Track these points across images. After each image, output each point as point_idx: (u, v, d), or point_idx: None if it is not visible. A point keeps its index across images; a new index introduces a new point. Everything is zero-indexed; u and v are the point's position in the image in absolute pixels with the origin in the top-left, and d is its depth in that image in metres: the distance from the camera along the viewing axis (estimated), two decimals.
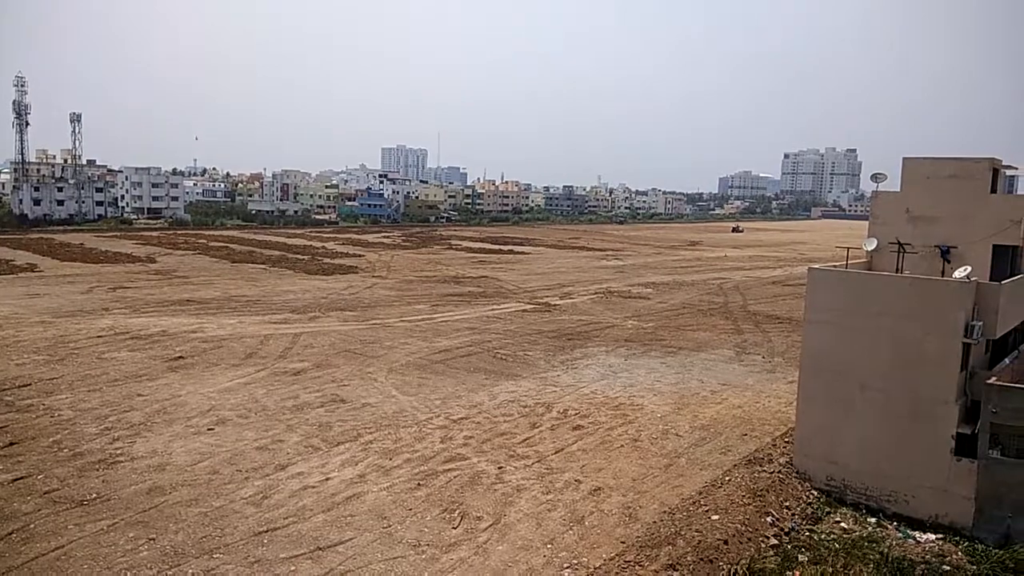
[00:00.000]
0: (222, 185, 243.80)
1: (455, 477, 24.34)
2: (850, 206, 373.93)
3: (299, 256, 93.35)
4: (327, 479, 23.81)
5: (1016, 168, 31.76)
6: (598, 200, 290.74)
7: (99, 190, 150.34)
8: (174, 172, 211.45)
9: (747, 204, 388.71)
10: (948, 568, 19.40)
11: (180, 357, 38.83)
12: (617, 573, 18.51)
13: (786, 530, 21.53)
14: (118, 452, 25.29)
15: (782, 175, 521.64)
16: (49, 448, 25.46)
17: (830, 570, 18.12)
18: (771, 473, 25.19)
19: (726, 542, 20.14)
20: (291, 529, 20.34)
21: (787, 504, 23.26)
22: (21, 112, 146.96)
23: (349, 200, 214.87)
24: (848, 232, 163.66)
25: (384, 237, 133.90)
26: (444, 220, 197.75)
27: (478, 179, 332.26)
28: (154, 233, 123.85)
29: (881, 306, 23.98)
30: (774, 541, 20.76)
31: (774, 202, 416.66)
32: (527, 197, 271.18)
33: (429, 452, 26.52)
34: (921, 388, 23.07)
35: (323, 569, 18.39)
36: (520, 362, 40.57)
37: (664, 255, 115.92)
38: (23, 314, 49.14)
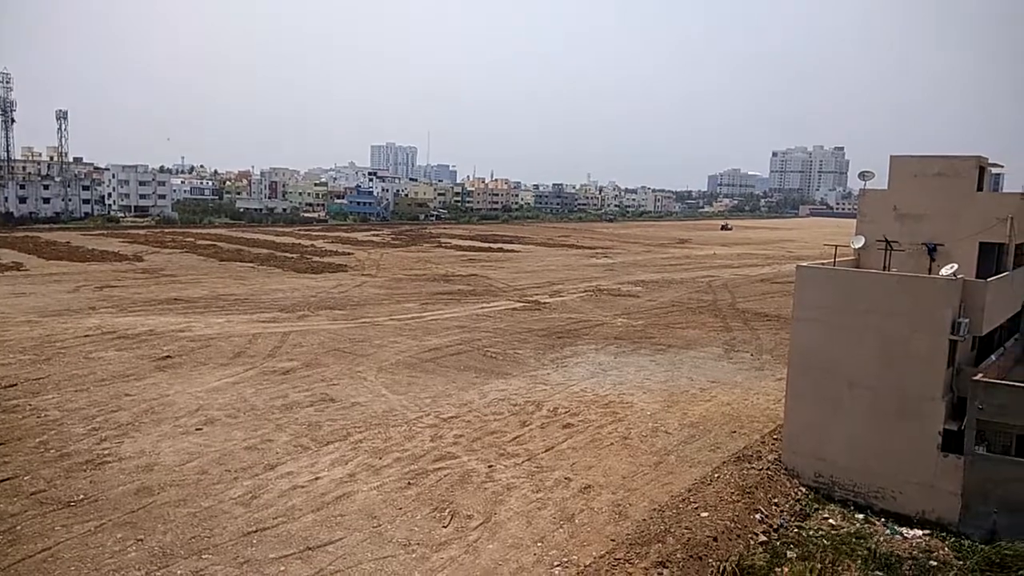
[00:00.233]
0: (210, 183, 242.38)
1: (445, 476, 24.32)
2: (838, 204, 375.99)
3: (288, 254, 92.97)
4: (317, 479, 23.75)
5: (1002, 166, 32.02)
6: (588, 198, 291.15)
7: (86, 188, 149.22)
8: (161, 170, 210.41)
9: (736, 202, 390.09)
10: (935, 564, 19.55)
11: (168, 356, 38.61)
12: (607, 571, 18.55)
13: (775, 527, 21.65)
14: (106, 452, 25.13)
15: (771, 173, 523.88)
16: (36, 449, 25.26)
17: (818, 566, 18.22)
18: (760, 470, 25.31)
19: (715, 539, 20.23)
20: (280, 529, 20.27)
21: (776, 501, 23.38)
22: (6, 109, 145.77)
23: (338, 198, 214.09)
24: (836, 230, 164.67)
25: (373, 235, 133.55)
26: (434, 218, 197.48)
27: (468, 177, 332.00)
28: (141, 231, 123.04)
29: (869, 303, 24.13)
30: (763, 538, 20.86)
31: (763, 200, 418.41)
32: (517, 195, 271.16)
33: (419, 451, 26.48)
34: (908, 385, 23.23)
35: (313, 569, 18.34)
36: (510, 360, 40.57)
37: (653, 253, 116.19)
38: (8, 313, 48.72)
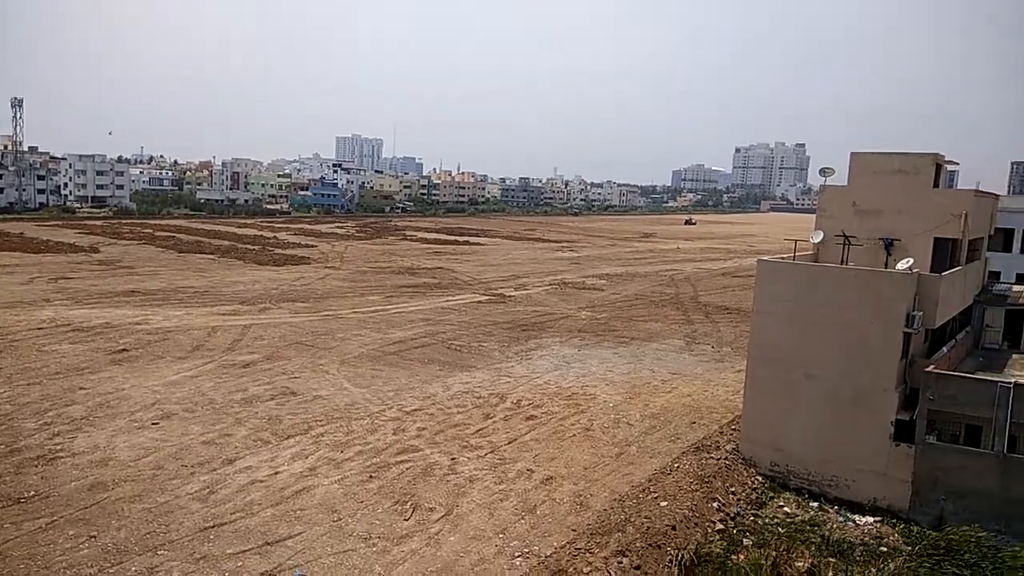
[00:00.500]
0: (170, 173, 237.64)
1: (407, 469, 24.24)
2: (798, 199, 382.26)
3: (249, 246, 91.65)
4: (276, 473, 23.50)
5: (957, 163, 32.78)
6: (554, 192, 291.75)
7: (41, 178, 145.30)
8: (119, 160, 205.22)
9: (699, 197, 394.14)
10: (885, 550, 20.03)
11: (124, 350, 37.83)
12: (568, 561, 18.67)
13: (732, 515, 21.99)
14: (58, 448, 24.56)
15: (733, 169, 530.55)
16: None
17: (773, 554, 18.52)
18: (718, 460, 25.66)
19: (674, 528, 20.47)
20: (239, 524, 20.03)
21: (733, 490, 23.74)
22: None
23: (302, 190, 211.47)
24: (796, 225, 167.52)
25: (338, 227, 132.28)
26: (399, 211, 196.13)
27: (434, 169, 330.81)
28: (98, 222, 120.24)
29: (827, 297, 24.58)
30: (720, 526, 21.18)
31: (725, 195, 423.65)
32: (483, 188, 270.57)
33: (381, 444, 26.35)
34: (863, 376, 23.73)
35: (271, 564, 18.15)
36: (474, 353, 40.54)
37: (618, 247, 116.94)
38: None
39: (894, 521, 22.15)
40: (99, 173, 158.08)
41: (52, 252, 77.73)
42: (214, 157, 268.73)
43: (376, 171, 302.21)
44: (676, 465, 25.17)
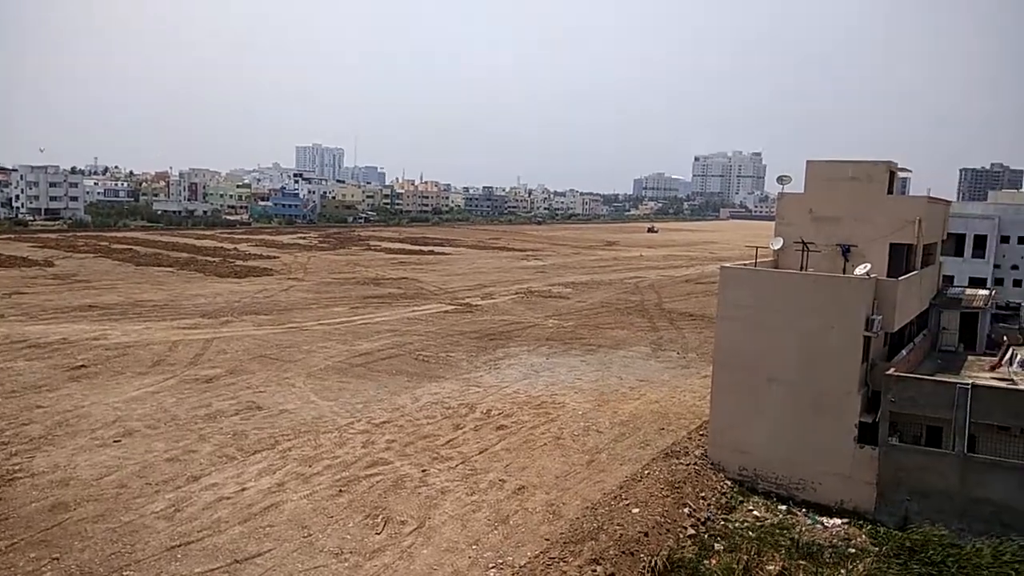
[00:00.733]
0: (125, 184, 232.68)
1: (378, 482, 24.04)
2: (756, 207, 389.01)
3: (209, 258, 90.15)
4: (243, 489, 23.11)
5: (910, 171, 33.75)
6: (517, 201, 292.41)
7: None
8: (73, 171, 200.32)
9: (660, 205, 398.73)
10: (854, 551, 20.43)
11: (83, 366, 36.91)
12: (542, 571, 18.69)
13: (702, 520, 22.24)
14: (16, 468, 23.84)
15: (693, 177, 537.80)
16: None
17: (744, 558, 18.79)
18: (687, 465, 25.94)
19: (646, 534, 20.63)
20: (206, 542, 19.65)
21: (703, 495, 24.00)
22: None
23: (262, 200, 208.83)
24: (755, 232, 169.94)
25: (300, 238, 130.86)
26: (362, 220, 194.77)
27: (396, 179, 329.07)
28: (52, 235, 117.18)
29: (787, 302, 25.08)
30: (691, 531, 21.41)
31: (686, 203, 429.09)
32: (447, 197, 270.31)
33: (351, 458, 26.10)
34: (825, 380, 24.22)
35: None
36: (443, 363, 40.41)
37: (582, 255, 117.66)
38: None
39: (861, 522, 22.61)
40: (52, 185, 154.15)
41: (4, 266, 75.49)
42: (170, 167, 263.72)
43: (338, 181, 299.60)
44: (646, 472, 25.37)
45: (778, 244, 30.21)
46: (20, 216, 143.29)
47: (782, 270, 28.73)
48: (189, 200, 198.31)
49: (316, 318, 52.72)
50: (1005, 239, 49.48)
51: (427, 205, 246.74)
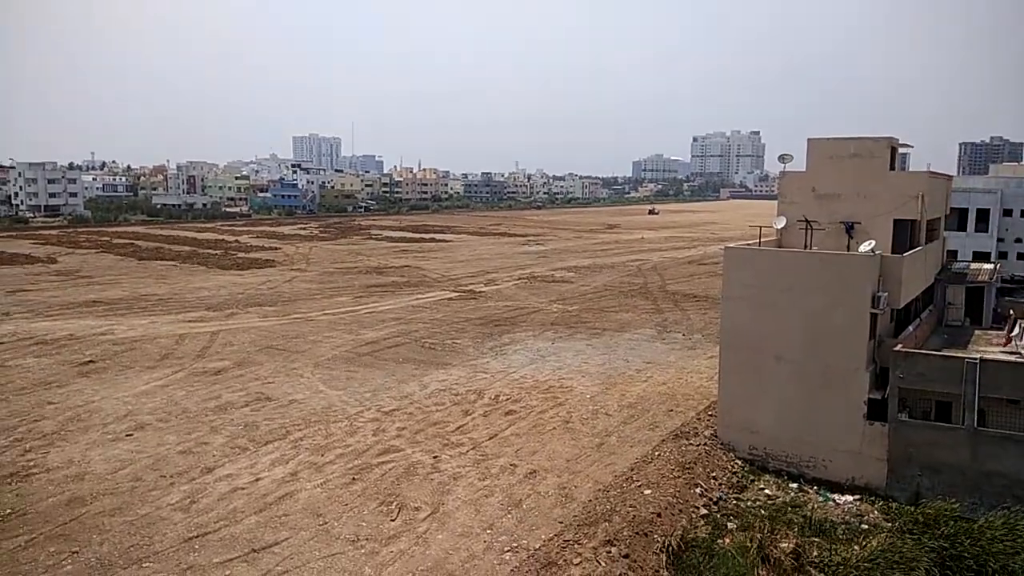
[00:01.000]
0: (123, 179, 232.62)
1: (390, 469, 24.18)
2: (756, 186, 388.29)
3: (211, 251, 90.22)
4: (257, 479, 23.26)
5: (911, 146, 33.60)
6: (517, 186, 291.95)
7: None
8: (71, 167, 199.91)
9: (660, 187, 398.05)
10: (866, 527, 20.56)
11: (91, 361, 37.04)
12: (557, 553, 18.82)
13: (714, 500, 22.38)
14: (31, 464, 24.00)
15: (692, 158, 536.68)
16: None
17: (758, 536, 18.90)
18: (697, 446, 26.06)
19: (659, 515, 20.76)
20: (223, 533, 19.81)
21: (714, 475, 24.14)
22: None
23: (261, 191, 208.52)
24: (756, 211, 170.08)
25: (300, 229, 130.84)
26: (362, 210, 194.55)
27: (395, 167, 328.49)
28: (53, 232, 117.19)
29: (793, 281, 25.08)
30: (704, 511, 21.54)
31: (685, 184, 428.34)
32: (446, 185, 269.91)
33: (362, 446, 26.24)
34: (833, 358, 24.27)
35: (259, 571, 18.01)
36: (449, 350, 40.52)
37: (584, 239, 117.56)
38: None
39: (872, 499, 22.74)
40: (51, 181, 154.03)
41: (7, 264, 75.62)
42: (168, 160, 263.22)
43: (336, 170, 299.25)
44: (657, 453, 25.50)
45: (781, 223, 30.15)
46: (20, 213, 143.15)
47: (786, 249, 28.69)
48: (188, 193, 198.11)
49: (321, 308, 52.81)
50: (1008, 212, 49.41)
51: (426, 192, 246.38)
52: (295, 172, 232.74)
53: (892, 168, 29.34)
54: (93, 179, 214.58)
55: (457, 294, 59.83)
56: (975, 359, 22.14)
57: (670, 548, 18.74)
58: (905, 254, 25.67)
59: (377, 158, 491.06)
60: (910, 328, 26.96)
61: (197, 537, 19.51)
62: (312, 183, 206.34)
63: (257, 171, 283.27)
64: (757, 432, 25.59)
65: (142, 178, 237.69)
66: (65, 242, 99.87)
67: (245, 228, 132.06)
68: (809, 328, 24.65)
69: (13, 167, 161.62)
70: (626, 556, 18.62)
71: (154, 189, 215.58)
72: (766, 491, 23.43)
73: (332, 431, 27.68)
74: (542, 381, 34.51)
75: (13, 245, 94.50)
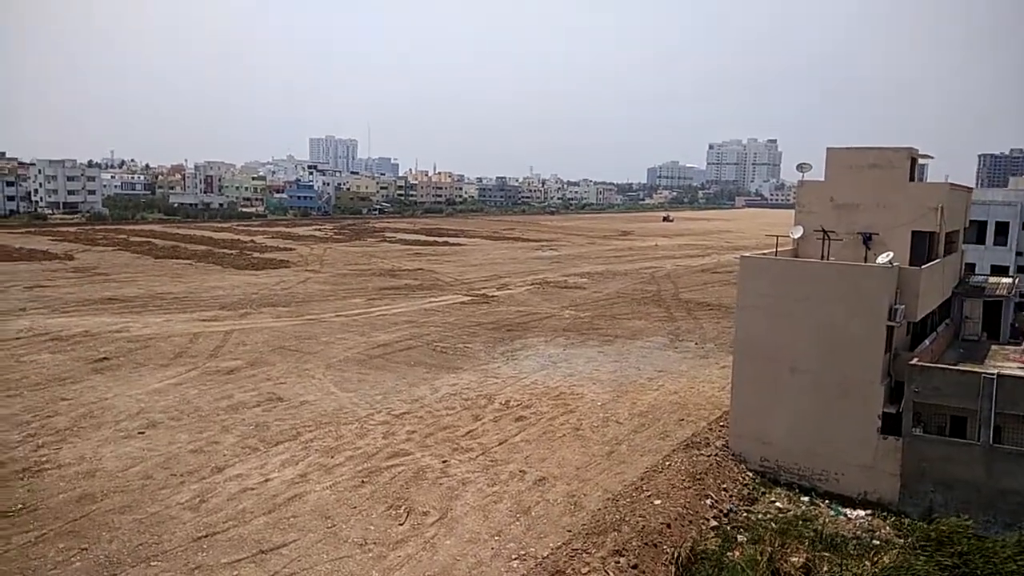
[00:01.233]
0: (142, 178, 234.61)
1: (399, 473, 24.16)
2: (772, 195, 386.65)
3: (226, 251, 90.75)
4: (267, 480, 23.30)
5: (932, 157, 33.28)
6: (531, 191, 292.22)
7: (10, 184, 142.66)
8: (90, 164, 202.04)
9: (675, 194, 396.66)
10: (878, 543, 20.31)
11: (105, 358, 37.30)
12: (565, 562, 18.71)
13: (725, 511, 22.19)
14: (43, 459, 24.16)
15: (707, 165, 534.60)
16: None
17: (768, 549, 18.71)
18: (708, 456, 25.86)
19: (669, 526, 20.61)
20: (232, 533, 19.84)
21: (724, 486, 23.94)
22: None
23: (277, 192, 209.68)
24: (772, 220, 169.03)
25: (315, 230, 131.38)
26: (377, 212, 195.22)
27: (410, 170, 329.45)
28: (71, 229, 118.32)
29: (809, 292, 24.86)
30: (714, 523, 21.37)
31: (700, 192, 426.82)
32: (460, 188, 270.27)
33: (372, 449, 26.23)
34: (848, 370, 24.03)
35: (267, 573, 18.02)
36: (460, 355, 40.49)
37: (597, 245, 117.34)
38: None
39: (884, 514, 22.48)
40: (70, 179, 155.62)
41: (25, 260, 76.41)
42: (186, 160, 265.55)
43: (352, 172, 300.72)
44: (667, 463, 25.32)
45: (798, 233, 29.96)
46: (39, 210, 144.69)
47: (803, 259, 28.49)
48: (205, 193, 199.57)
49: (334, 310, 52.96)
50: None
51: (441, 196, 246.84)
52: (311, 173, 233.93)
53: (912, 179, 29.07)
54: (112, 177, 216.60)
55: (470, 298, 59.83)
56: (992, 374, 21.85)
57: (679, 560, 18.58)
58: (923, 266, 25.42)
59: (392, 161, 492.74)
60: (926, 342, 26.68)
61: (206, 537, 19.55)
62: (328, 185, 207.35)
63: (274, 172, 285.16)
64: (769, 443, 25.37)
65: (160, 177, 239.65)
66: (83, 239, 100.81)
67: (261, 228, 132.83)
68: (824, 340, 24.42)
69: (33, 164, 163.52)
70: (635, 567, 18.49)
71: (172, 188, 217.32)
72: (777, 504, 23.21)
73: (342, 433, 27.70)
74: (553, 387, 34.41)
75: (32, 241, 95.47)
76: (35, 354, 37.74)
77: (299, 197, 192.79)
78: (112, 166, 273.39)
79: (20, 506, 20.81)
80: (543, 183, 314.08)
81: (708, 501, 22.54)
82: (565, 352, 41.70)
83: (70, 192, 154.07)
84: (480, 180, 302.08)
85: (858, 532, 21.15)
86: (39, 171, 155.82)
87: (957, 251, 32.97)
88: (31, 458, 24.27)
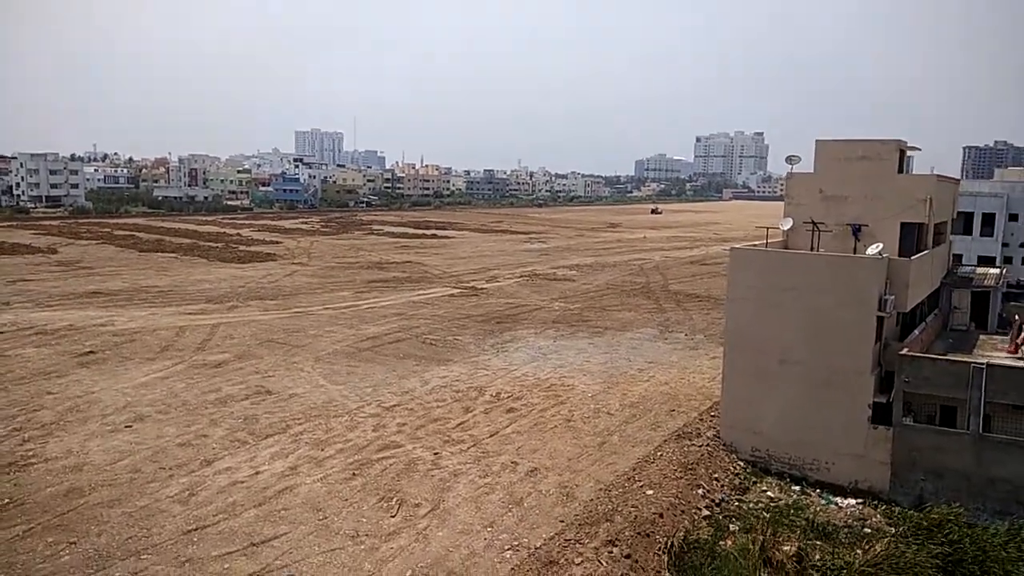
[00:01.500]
0: (125, 171, 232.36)
1: (391, 465, 24.05)
2: (759, 187, 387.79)
3: (212, 244, 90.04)
4: (257, 473, 23.14)
5: (919, 149, 33.41)
6: (519, 184, 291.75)
7: None
8: (73, 158, 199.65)
9: (663, 186, 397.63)
10: (869, 531, 20.42)
11: (91, 352, 36.91)
12: (558, 552, 18.69)
13: (717, 501, 22.23)
14: (30, 453, 23.88)
15: (695, 158, 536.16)
16: None
17: (760, 538, 18.73)
18: (700, 447, 25.90)
19: (661, 515, 20.62)
20: (222, 526, 19.68)
21: (716, 476, 23.99)
22: None
23: (263, 185, 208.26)
24: (759, 212, 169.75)
25: (302, 223, 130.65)
26: (364, 205, 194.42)
27: (396, 163, 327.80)
28: (54, 222, 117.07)
29: (799, 283, 24.90)
30: (706, 512, 21.40)
31: (688, 184, 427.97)
32: (448, 181, 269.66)
33: (362, 441, 26.10)
34: (838, 360, 24.10)
35: (258, 565, 17.88)
36: (450, 347, 40.37)
37: (586, 237, 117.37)
38: None
39: (875, 502, 22.61)
40: (52, 172, 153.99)
41: (8, 254, 75.48)
42: (170, 153, 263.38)
43: (338, 165, 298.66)
44: (659, 453, 25.35)
45: (788, 224, 29.96)
46: (21, 203, 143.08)
47: (793, 250, 28.54)
48: (189, 186, 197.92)
49: (322, 303, 52.67)
50: (1013, 217, 49.28)
51: (428, 189, 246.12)
52: (297, 166, 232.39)
53: (901, 171, 29.16)
54: (95, 171, 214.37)
55: (459, 291, 59.68)
56: (981, 364, 22.00)
57: (672, 549, 18.59)
58: (912, 257, 25.52)
59: (379, 154, 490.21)
60: (916, 332, 26.80)
61: (196, 530, 19.38)
62: (314, 178, 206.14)
63: (259, 165, 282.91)
64: (760, 433, 25.44)
65: (144, 170, 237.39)
66: (66, 233, 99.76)
67: (246, 222, 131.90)
68: (814, 330, 24.48)
69: (15, 157, 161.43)
70: (628, 556, 18.48)
71: (156, 182, 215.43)
72: (768, 493, 23.29)
73: (332, 426, 27.54)
74: (543, 379, 34.36)
75: (14, 235, 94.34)
76: (20, 348, 37.29)
77: (285, 190, 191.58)
78: (95, 159, 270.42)
79: (7, 500, 20.56)
80: (531, 176, 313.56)
81: (700, 491, 22.57)
82: (555, 344, 41.67)
83: (53, 186, 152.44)
84: (468, 173, 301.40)
85: (849, 520, 21.26)
86: (21, 165, 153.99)
87: (945, 242, 33.14)
88: (17, 452, 23.97)
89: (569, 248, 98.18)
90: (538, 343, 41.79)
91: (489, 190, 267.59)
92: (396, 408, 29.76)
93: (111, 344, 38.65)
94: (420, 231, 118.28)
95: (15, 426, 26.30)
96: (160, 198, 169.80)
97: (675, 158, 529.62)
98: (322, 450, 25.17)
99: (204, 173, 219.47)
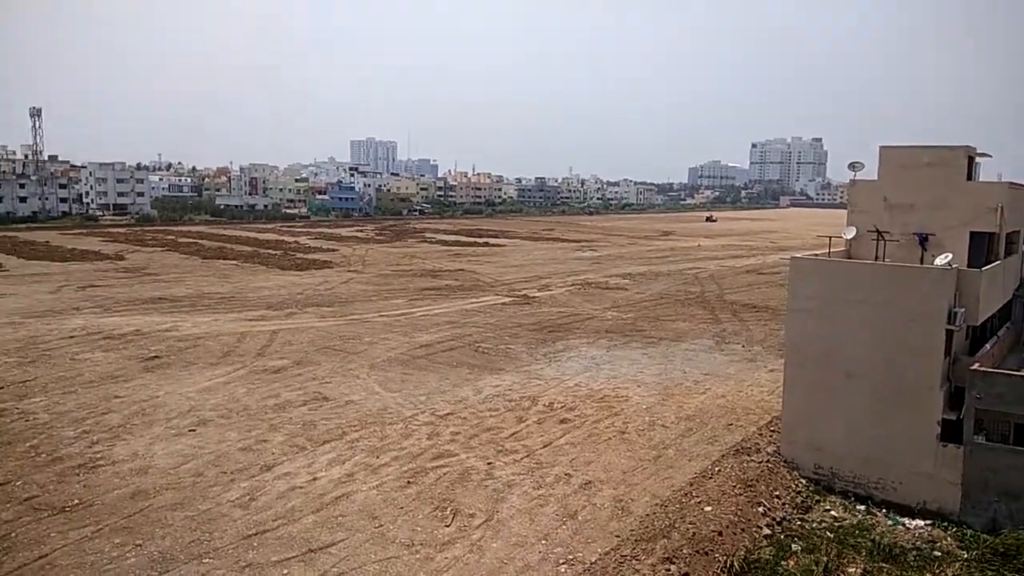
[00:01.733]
0: (188, 180, 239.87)
1: (444, 474, 24.11)
2: (818, 194, 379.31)
3: (271, 251, 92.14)
4: (315, 479, 23.45)
5: (990, 156, 32.20)
6: (570, 191, 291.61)
7: (63, 186, 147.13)
8: (139, 167, 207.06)
9: (717, 194, 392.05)
10: (939, 554, 19.61)
11: (156, 357, 38.04)
12: (614, 568, 18.42)
13: (778, 520, 21.63)
14: (98, 456, 24.67)
15: (750, 164, 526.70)
16: (26, 453, 24.74)
17: (824, 559, 18.21)
18: (759, 463, 25.29)
19: (720, 533, 20.17)
20: (281, 531, 19.98)
21: (777, 493, 23.38)
22: None
23: (319, 194, 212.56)
24: (818, 220, 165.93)
25: (357, 231, 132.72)
26: (417, 213, 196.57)
27: (449, 171, 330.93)
28: (121, 230, 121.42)
29: (864, 294, 24.13)
30: (767, 531, 20.84)
31: (743, 191, 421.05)
32: (500, 189, 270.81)
33: (416, 449, 26.24)
34: (906, 375, 23.26)
35: (316, 572, 18.08)
36: (503, 356, 40.38)
37: (638, 245, 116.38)
38: None
39: (945, 524, 21.68)
40: (119, 181, 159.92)
41: (78, 260, 78.55)
42: (231, 162, 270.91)
43: (392, 174, 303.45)
44: (717, 468, 24.83)
45: (851, 233, 29.15)
46: (90, 211, 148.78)
47: (857, 260, 27.73)
48: (250, 195, 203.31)
49: (376, 310, 53.32)
50: None
51: (480, 197, 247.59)
52: (352, 175, 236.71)
53: (969, 178, 28.13)
54: (159, 179, 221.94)
55: (511, 299, 59.74)
56: None
57: (732, 569, 18.16)
58: (984, 268, 24.52)
59: (432, 162, 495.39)
60: (987, 346, 25.75)
61: (256, 535, 19.71)
62: (369, 186, 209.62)
63: (316, 174, 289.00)
64: (823, 450, 24.72)
65: (206, 179, 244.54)
66: (132, 240, 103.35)
67: (304, 229, 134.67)
68: (880, 343, 23.70)
69: (84, 167, 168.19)
70: (686, 575, 18.12)
71: (217, 190, 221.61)
72: (832, 512, 22.58)
73: (387, 433, 27.78)
74: (597, 390, 34.08)
75: (83, 242, 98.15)
76: (89, 352, 38.66)
77: (341, 198, 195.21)
78: (160, 169, 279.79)
79: (76, 501, 21.26)
80: (582, 183, 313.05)
81: (760, 509, 22.01)
82: (608, 354, 41.32)
83: (120, 194, 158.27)
84: (519, 181, 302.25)
85: (918, 543, 20.44)
86: (90, 174, 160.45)
87: (1018, 252, 31.80)
88: (86, 454, 24.80)
89: (621, 256, 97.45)
90: (591, 353, 41.50)
91: (540, 198, 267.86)
92: (450, 416, 29.87)
93: (175, 349, 39.78)
94: (472, 239, 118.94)
95: (84, 428, 27.23)
96: (222, 206, 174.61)
97: (730, 165, 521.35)
98: (377, 457, 25.39)
99: (263, 182, 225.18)
